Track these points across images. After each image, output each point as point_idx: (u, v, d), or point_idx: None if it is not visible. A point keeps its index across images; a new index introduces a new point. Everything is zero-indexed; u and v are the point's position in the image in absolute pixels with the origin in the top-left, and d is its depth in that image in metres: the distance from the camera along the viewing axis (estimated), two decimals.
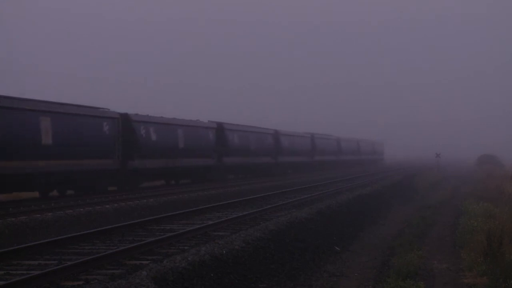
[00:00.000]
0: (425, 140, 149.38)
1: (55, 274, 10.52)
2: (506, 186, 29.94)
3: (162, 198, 25.70)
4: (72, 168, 27.11)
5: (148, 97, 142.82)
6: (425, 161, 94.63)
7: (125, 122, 31.38)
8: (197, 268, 11.53)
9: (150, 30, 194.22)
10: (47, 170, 25.52)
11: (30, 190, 26.62)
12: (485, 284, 12.06)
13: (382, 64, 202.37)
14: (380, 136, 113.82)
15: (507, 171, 43.98)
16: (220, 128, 42.43)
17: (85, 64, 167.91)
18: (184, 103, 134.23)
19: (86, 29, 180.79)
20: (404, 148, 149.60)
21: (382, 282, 12.68)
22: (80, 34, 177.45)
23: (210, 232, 16.14)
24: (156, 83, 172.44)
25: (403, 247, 16.44)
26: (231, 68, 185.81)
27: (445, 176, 53.42)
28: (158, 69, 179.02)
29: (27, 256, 12.53)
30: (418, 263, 14.13)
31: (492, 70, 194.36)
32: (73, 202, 24.49)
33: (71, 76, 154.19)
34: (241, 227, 17.19)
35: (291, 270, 13.86)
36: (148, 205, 23.45)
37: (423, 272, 13.71)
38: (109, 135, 29.87)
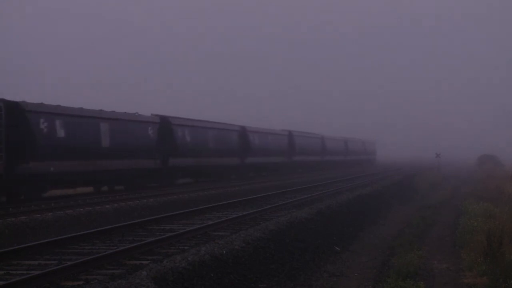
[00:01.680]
0: (425, 141, 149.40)
1: (55, 274, 10.52)
2: (506, 186, 29.94)
3: (162, 198, 25.72)
4: None
5: (149, 98, 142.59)
6: (425, 161, 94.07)
7: (13, 112, 24.10)
8: (197, 268, 11.52)
9: (149, 31, 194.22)
10: None
11: None
12: (485, 284, 12.06)
13: (381, 64, 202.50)
14: (380, 137, 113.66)
15: (507, 171, 43.99)
16: (165, 123, 35.36)
17: (84, 65, 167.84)
18: (182, 103, 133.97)
19: (84, 30, 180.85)
20: (404, 148, 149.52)
21: (382, 282, 12.68)
22: (78, 34, 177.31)
23: (210, 232, 16.14)
24: (156, 85, 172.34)
25: (403, 247, 16.44)
26: (228, 70, 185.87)
27: (445, 176, 53.41)
28: (157, 71, 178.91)
29: (27, 256, 12.53)
30: (418, 263, 14.13)
31: (492, 70, 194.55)
32: (73, 202, 24.50)
33: (71, 78, 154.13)
34: (241, 227, 17.20)
35: (291, 270, 13.86)
36: (148, 205, 23.47)
37: (423, 272, 13.71)
38: None
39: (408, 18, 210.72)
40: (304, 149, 60.00)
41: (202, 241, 14.61)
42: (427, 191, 38.18)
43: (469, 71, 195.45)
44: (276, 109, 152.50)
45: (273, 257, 14.20)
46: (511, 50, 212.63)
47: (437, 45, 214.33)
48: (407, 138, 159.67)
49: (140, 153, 32.41)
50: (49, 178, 26.09)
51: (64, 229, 18.01)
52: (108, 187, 31.57)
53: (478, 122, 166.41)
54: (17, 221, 17.76)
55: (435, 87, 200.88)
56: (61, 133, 26.51)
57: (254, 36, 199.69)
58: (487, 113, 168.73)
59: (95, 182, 30.25)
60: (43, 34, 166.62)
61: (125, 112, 32.64)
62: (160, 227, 17.13)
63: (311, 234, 17.64)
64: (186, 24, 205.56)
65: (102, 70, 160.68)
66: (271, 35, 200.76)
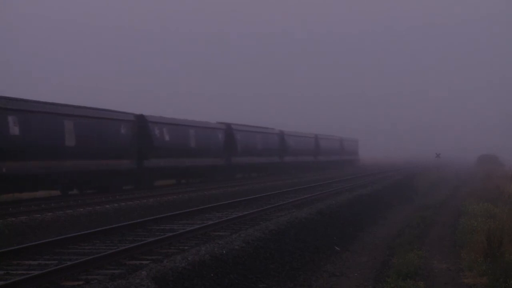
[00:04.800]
0: (425, 141, 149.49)
1: (55, 274, 10.53)
2: (506, 186, 29.97)
3: (162, 198, 25.71)
4: None
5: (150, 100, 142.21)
6: (424, 162, 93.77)
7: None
8: (197, 268, 11.53)
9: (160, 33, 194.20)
10: None
11: None
12: (485, 284, 12.07)
13: (380, 65, 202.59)
14: (381, 137, 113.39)
15: (507, 171, 43.99)
16: None
17: (83, 64, 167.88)
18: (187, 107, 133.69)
19: (84, 32, 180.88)
20: (405, 149, 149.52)
21: (382, 282, 12.69)
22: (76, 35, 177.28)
23: (210, 232, 16.14)
24: (156, 86, 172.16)
25: (403, 247, 16.44)
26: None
27: (445, 176, 53.39)
28: (159, 73, 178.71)
29: (27, 256, 12.53)
30: (418, 263, 14.13)
31: (493, 71, 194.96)
32: (73, 202, 24.50)
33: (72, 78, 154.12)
34: (241, 227, 17.20)
35: (291, 270, 13.87)
36: (148, 205, 23.46)
37: (423, 272, 13.71)
38: None
39: (409, 19, 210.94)
40: (251, 148, 47.33)
41: (202, 241, 14.62)
42: (427, 191, 38.19)
43: (469, 71, 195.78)
44: (276, 110, 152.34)
45: (273, 257, 14.20)
46: (510, 51, 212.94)
47: (437, 46, 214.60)
48: (407, 139, 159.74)
49: None
50: None
51: (64, 229, 18.02)
52: None
53: (478, 123, 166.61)
54: (17, 221, 17.76)
55: (435, 88, 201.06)
56: None
57: (248, 37, 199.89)
58: (487, 113, 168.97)
59: None
60: (41, 34, 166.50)
61: None
62: (160, 227, 17.13)
63: (311, 234, 17.64)
64: (191, 26, 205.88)
65: (107, 73, 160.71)
66: (266, 36, 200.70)
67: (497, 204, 23.02)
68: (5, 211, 20.67)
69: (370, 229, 21.70)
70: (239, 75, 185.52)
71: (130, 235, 15.60)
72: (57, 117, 26.92)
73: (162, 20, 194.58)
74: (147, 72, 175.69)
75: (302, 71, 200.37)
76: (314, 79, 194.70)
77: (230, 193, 30.29)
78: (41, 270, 10.98)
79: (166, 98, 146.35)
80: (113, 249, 12.96)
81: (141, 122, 33.45)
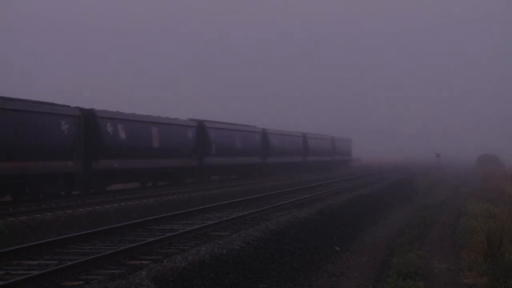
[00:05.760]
0: (426, 141, 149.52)
1: (55, 274, 10.53)
2: (506, 186, 29.97)
3: (162, 198, 25.71)
4: None
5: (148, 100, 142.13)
6: (425, 162, 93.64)
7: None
8: (197, 268, 11.53)
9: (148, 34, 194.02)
10: None
11: None
12: (485, 284, 12.07)
13: (380, 66, 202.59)
14: (382, 137, 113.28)
15: (507, 171, 43.99)
16: None
17: (83, 64, 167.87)
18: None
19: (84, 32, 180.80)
20: (405, 149, 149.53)
21: (382, 282, 12.69)
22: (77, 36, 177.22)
23: (210, 232, 16.15)
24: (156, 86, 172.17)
25: (403, 247, 16.44)
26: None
27: (445, 176, 53.40)
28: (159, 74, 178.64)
29: (27, 256, 12.54)
30: (418, 263, 14.13)
31: (493, 71, 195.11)
32: (73, 202, 24.50)
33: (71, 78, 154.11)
34: (241, 227, 17.21)
35: (291, 270, 13.87)
36: (148, 205, 23.47)
37: (423, 272, 13.72)
38: None
39: (409, 19, 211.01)
40: (228, 147, 43.07)
41: (202, 241, 14.62)
42: (427, 191, 38.19)
43: (469, 71, 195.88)
44: (276, 110, 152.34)
45: (273, 257, 14.20)
46: (510, 51, 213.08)
47: (437, 46, 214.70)
48: (407, 139, 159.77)
49: None
50: None
51: (64, 229, 18.03)
52: None
53: (478, 123, 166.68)
54: (17, 221, 17.77)
55: (435, 87, 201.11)
56: None
57: (248, 37, 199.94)
58: (487, 113, 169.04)
59: None
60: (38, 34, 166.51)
61: None
62: (160, 227, 17.14)
63: (311, 234, 17.65)
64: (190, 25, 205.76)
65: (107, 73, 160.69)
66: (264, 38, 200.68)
67: (497, 204, 23.03)
68: (5, 211, 20.68)
69: (370, 229, 21.70)
70: (239, 75, 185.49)
71: (130, 235, 15.61)
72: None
73: (162, 20, 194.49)
74: (147, 72, 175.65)
75: (302, 71, 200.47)
76: (314, 79, 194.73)
77: (230, 193, 30.31)
78: (41, 270, 10.99)
79: (166, 98, 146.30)
80: (113, 249, 12.96)
81: (89, 118, 28.53)
